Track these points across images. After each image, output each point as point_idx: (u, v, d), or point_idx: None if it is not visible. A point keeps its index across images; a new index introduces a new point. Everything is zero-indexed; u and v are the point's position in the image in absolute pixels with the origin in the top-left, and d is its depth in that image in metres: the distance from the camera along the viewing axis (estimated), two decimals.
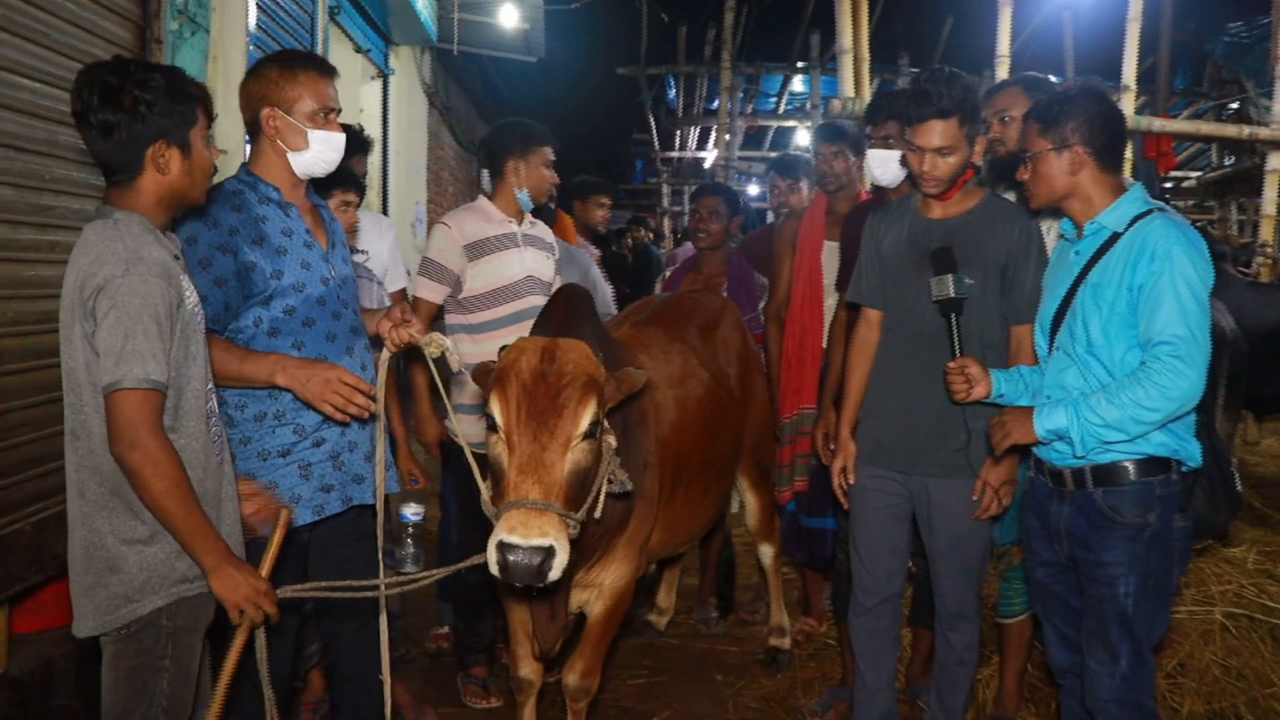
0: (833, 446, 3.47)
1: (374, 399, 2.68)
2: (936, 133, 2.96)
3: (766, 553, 4.40)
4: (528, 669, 3.23)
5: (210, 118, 2.35)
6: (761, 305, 4.57)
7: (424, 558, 3.38)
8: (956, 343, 2.91)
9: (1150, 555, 2.59)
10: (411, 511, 3.31)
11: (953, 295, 2.91)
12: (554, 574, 2.38)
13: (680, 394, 3.51)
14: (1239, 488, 3.00)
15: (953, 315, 2.92)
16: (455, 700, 3.89)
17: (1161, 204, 2.70)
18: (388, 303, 3.76)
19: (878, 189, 3.91)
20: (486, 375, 2.70)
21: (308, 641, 3.60)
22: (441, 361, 2.72)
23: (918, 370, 3.10)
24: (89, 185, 3.38)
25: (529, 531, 2.37)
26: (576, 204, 5.67)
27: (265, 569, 2.33)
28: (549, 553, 2.37)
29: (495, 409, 2.57)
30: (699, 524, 3.75)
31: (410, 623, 4.45)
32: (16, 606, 3.27)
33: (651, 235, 12.82)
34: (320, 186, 3.42)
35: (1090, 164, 2.66)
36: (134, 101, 2.16)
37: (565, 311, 3.07)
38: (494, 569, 2.40)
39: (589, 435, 2.57)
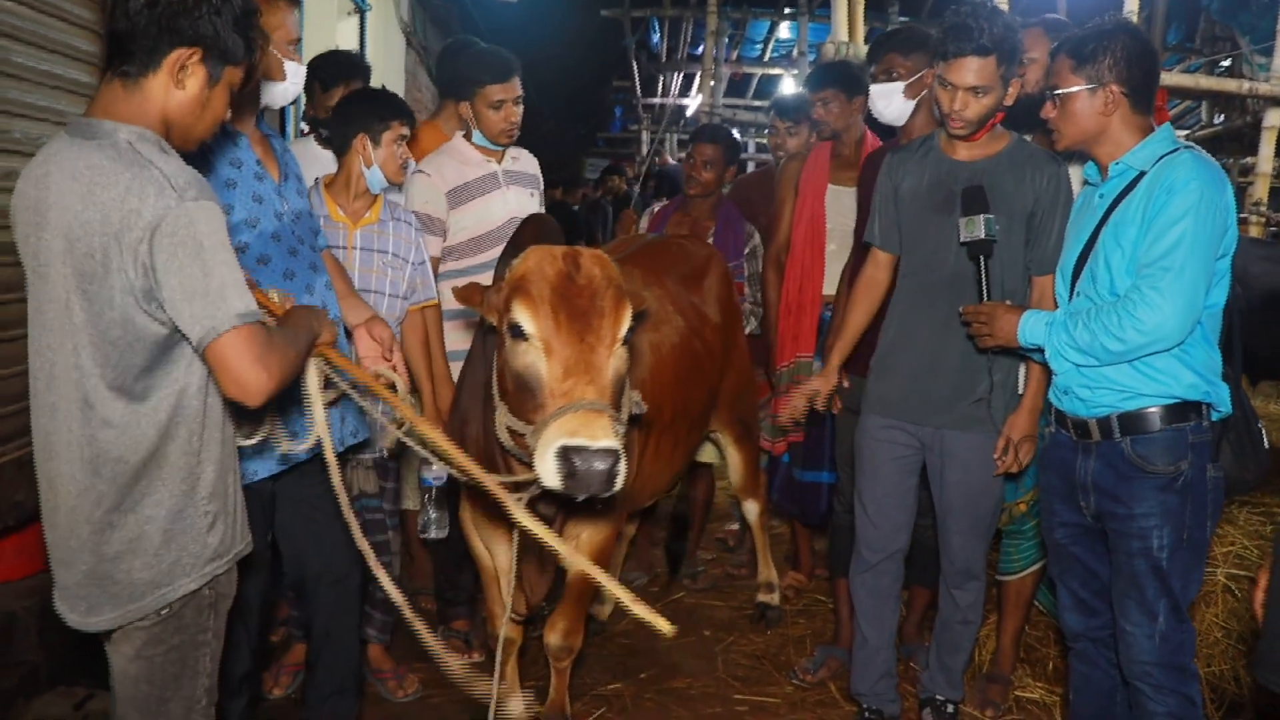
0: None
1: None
2: (972, 71, 2.79)
3: (751, 509, 4.26)
4: (507, 627, 3.09)
5: (250, 74, 2.08)
6: (746, 252, 4.42)
7: (448, 523, 3.20)
8: (985, 287, 2.78)
9: (1184, 506, 2.49)
10: (433, 475, 3.08)
11: (983, 237, 2.77)
12: (619, 482, 2.16)
13: (654, 339, 3.32)
14: (1266, 444, 2.90)
15: (982, 258, 2.78)
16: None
17: (1191, 144, 2.56)
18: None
19: (890, 131, 3.75)
20: (478, 292, 2.53)
21: (283, 601, 3.47)
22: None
23: (937, 318, 2.97)
24: (48, 110, 3.17)
25: (595, 432, 2.14)
26: None
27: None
28: (617, 456, 2.15)
29: (524, 314, 2.34)
30: (667, 477, 3.59)
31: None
32: None
33: (628, 184, 12.60)
34: (375, 118, 3.21)
35: (1124, 104, 2.52)
36: None
37: (537, 241, 2.88)
38: (553, 480, 2.16)
39: (624, 342, 2.40)
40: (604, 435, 2.15)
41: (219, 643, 2.07)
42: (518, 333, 2.35)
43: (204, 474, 1.97)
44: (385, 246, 3.29)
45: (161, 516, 1.92)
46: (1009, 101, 2.89)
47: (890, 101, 3.49)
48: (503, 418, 2.46)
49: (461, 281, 3.54)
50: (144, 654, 1.96)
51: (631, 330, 2.43)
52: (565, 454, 2.14)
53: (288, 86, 2.88)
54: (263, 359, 1.84)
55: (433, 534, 3.18)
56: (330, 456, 2.21)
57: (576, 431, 2.15)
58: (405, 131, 3.26)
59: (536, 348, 2.32)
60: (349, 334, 2.80)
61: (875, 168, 3.46)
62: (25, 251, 1.87)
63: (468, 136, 3.74)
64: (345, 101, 3.37)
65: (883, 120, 3.60)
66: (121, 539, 1.90)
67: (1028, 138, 3.15)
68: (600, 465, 2.12)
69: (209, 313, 1.79)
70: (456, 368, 3.54)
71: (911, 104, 3.46)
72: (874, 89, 3.56)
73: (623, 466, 2.15)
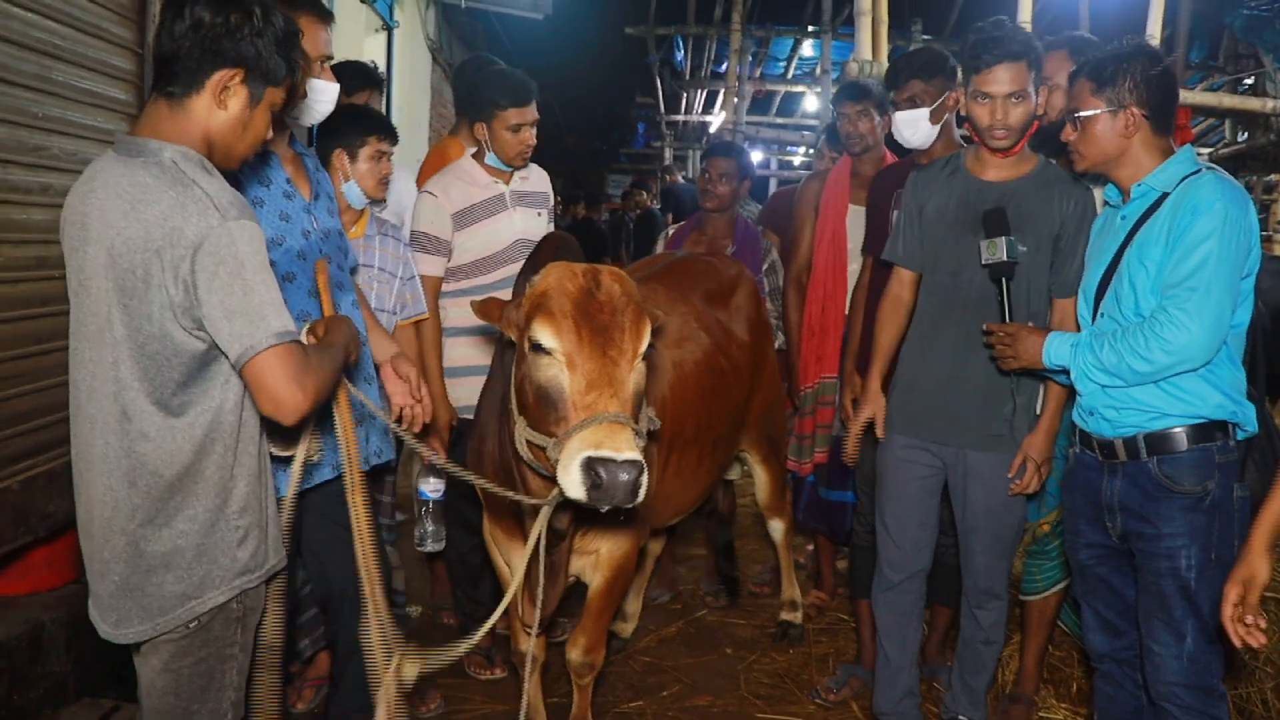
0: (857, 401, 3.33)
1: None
2: (1008, 77, 2.82)
3: (777, 528, 4.25)
4: (528, 642, 3.10)
5: (291, 95, 2.12)
6: (764, 268, 4.43)
7: (444, 536, 3.20)
8: (1008, 309, 2.78)
9: (1211, 526, 2.48)
10: (430, 488, 3.09)
11: (1005, 259, 2.78)
12: (643, 494, 2.17)
13: (677, 356, 3.34)
14: None
15: (1003, 280, 2.78)
16: (459, 670, 3.76)
17: (1212, 165, 2.56)
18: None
19: (904, 153, 3.76)
20: (497, 307, 2.54)
21: (310, 619, 3.48)
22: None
23: (960, 338, 2.97)
24: (85, 126, 3.22)
25: (619, 444, 2.15)
26: None
27: None
28: (641, 468, 2.15)
29: (546, 329, 2.35)
30: (692, 495, 3.58)
31: (412, 588, 4.33)
32: (4, 569, 3.13)
33: (653, 200, 12.66)
34: (353, 134, 3.24)
35: (1145, 127, 2.53)
36: (246, 16, 1.91)
37: (556, 258, 2.90)
38: (578, 492, 2.17)
39: (644, 358, 2.41)
40: (628, 447, 2.16)
41: (246, 656, 2.09)
42: (539, 347, 2.36)
43: (236, 489, 1.99)
44: (371, 261, 3.31)
45: (195, 531, 1.94)
46: (1039, 110, 2.91)
47: (917, 128, 3.49)
48: (522, 431, 2.47)
49: (467, 301, 3.60)
50: (172, 666, 1.98)
51: (651, 347, 2.44)
52: (590, 465, 2.15)
53: (313, 104, 2.87)
54: (298, 378, 1.87)
55: (429, 547, 3.18)
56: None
57: (601, 444, 2.16)
58: (384, 148, 3.29)
59: (559, 362, 2.33)
60: (376, 368, 2.82)
61: (884, 184, 3.47)
62: (70, 265, 1.91)
63: (478, 155, 3.75)
64: (326, 119, 3.39)
65: (908, 146, 3.60)
66: (155, 552, 1.92)
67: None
68: (625, 476, 2.13)
69: (248, 331, 1.82)
70: (461, 382, 3.58)
71: (936, 129, 3.47)
72: (899, 116, 3.56)
73: (646, 478, 2.16)
